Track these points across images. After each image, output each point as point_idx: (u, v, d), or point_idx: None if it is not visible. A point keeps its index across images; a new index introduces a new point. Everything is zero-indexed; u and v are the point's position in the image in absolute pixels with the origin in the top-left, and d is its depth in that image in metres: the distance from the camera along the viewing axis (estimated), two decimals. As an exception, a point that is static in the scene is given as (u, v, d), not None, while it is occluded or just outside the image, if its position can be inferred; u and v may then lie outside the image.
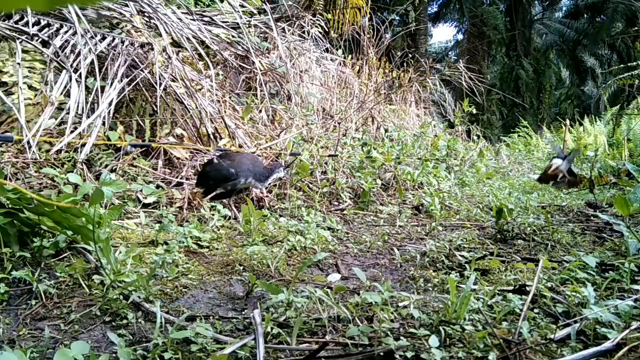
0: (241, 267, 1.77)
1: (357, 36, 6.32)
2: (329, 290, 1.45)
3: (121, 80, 2.93)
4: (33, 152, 2.43)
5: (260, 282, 1.42)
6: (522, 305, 1.30)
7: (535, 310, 1.36)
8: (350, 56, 6.22)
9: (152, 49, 3.22)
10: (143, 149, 2.92)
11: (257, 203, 2.81)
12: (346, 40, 6.22)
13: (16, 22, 3.13)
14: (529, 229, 2.37)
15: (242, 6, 4.43)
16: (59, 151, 2.57)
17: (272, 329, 1.20)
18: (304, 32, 5.27)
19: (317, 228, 2.31)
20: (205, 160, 2.75)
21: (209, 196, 2.46)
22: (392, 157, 3.68)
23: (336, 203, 3.17)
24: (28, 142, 2.44)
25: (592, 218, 2.82)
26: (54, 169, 2.39)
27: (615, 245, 2.11)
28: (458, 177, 4.44)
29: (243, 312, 1.39)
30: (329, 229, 2.40)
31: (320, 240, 2.15)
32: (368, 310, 1.36)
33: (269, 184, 2.63)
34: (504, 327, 1.24)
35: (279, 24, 4.85)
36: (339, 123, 4.18)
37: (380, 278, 1.72)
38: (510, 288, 1.52)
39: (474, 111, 5.97)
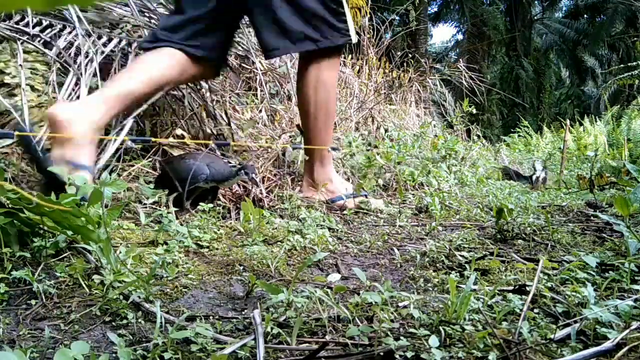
0: (241, 267, 1.77)
1: (357, 36, 6.31)
2: (329, 290, 1.45)
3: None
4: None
5: (260, 282, 1.42)
6: (522, 305, 1.30)
7: (535, 310, 1.36)
8: (350, 56, 6.23)
9: (152, 49, 3.22)
10: (143, 150, 2.92)
11: (257, 203, 2.81)
12: (346, 40, 6.21)
13: (17, 23, 3.13)
14: (529, 229, 2.37)
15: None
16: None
17: (272, 329, 1.20)
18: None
19: (316, 228, 2.31)
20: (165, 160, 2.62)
21: (172, 197, 2.32)
22: (391, 157, 3.69)
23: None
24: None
25: (592, 218, 2.82)
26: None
27: (615, 245, 2.11)
28: (458, 177, 4.45)
29: (243, 312, 1.39)
30: (329, 228, 2.40)
31: (320, 240, 2.15)
32: (368, 310, 1.36)
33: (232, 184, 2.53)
34: (504, 327, 1.24)
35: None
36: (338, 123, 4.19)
37: (380, 278, 1.72)
38: (510, 288, 1.52)
39: (474, 111, 5.98)
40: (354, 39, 2.66)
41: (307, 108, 2.75)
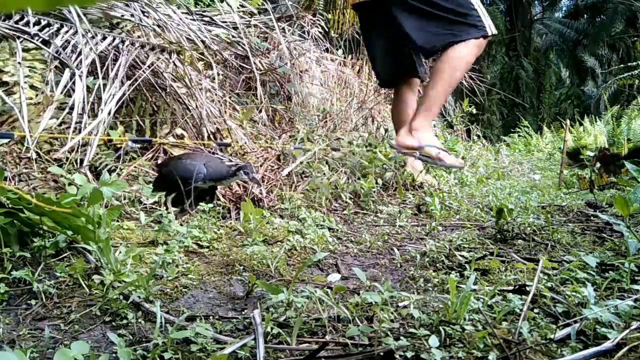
0: (241, 267, 1.77)
1: (357, 36, 6.31)
2: (329, 290, 1.45)
3: (122, 82, 2.93)
4: (35, 151, 2.43)
5: (260, 282, 1.42)
6: (522, 305, 1.30)
7: (535, 310, 1.36)
8: (350, 56, 6.22)
9: (153, 48, 3.22)
10: (142, 148, 2.92)
11: (257, 203, 2.81)
12: (346, 40, 6.22)
13: (16, 22, 3.13)
14: (529, 229, 2.37)
15: (242, 6, 4.43)
16: (57, 151, 2.57)
17: (272, 329, 1.20)
18: (304, 32, 5.27)
19: (316, 228, 2.31)
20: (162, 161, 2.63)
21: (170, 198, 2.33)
22: (391, 157, 3.68)
23: (336, 203, 3.17)
24: (30, 141, 2.44)
25: (592, 218, 2.82)
26: (60, 167, 2.39)
27: (615, 245, 2.11)
28: (458, 177, 4.44)
29: (243, 312, 1.39)
30: (329, 228, 2.40)
31: (320, 240, 2.15)
32: (368, 310, 1.36)
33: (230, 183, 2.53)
34: (504, 327, 1.24)
35: (279, 24, 4.85)
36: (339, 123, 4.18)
37: (380, 278, 1.72)
38: (510, 288, 1.52)
39: (474, 111, 5.97)
40: (489, 31, 2.77)
41: (444, 66, 2.81)
